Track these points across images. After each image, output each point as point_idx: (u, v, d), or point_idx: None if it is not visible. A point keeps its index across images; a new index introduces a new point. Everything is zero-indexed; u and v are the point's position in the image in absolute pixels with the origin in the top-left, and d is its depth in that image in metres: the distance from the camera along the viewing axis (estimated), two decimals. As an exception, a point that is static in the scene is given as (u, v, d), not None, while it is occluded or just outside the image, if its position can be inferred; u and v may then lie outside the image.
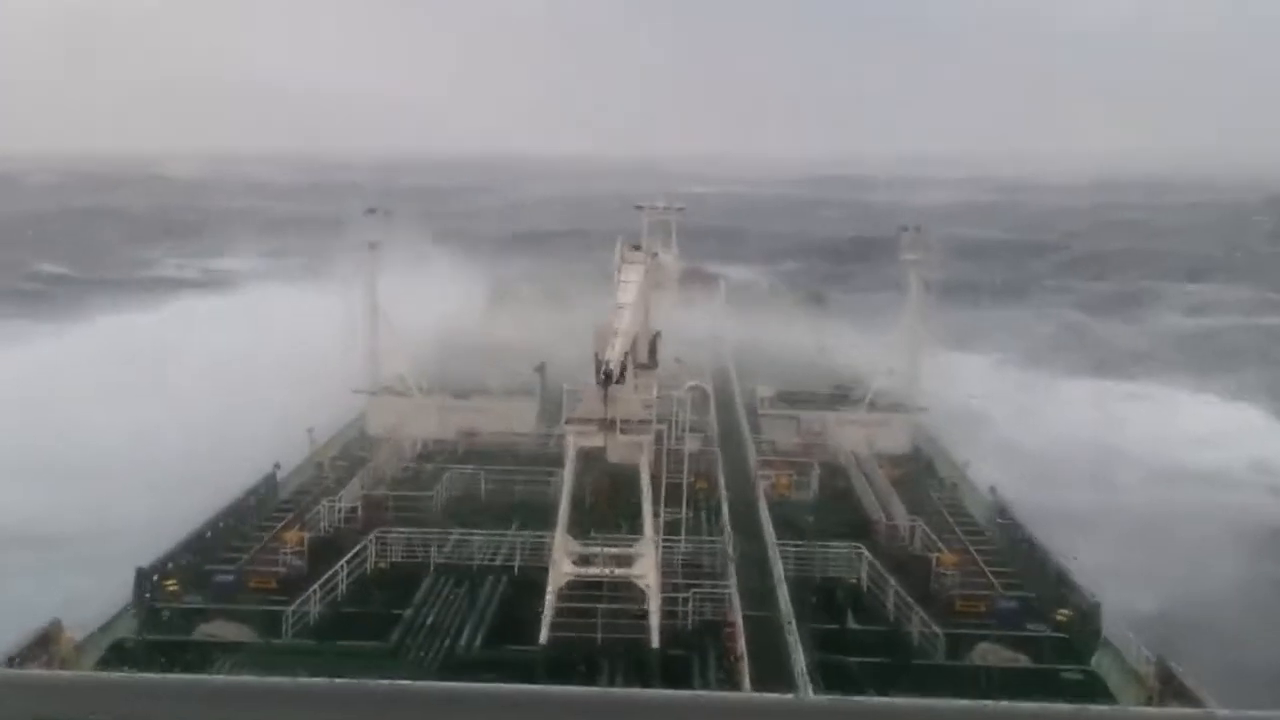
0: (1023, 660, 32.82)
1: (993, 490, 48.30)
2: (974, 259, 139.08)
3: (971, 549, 41.93)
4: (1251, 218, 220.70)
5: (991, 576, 39.06)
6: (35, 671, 25.89)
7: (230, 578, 36.61)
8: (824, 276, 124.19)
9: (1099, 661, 32.97)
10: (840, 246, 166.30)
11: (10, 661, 27.35)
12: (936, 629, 33.82)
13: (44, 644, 29.76)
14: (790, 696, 26.63)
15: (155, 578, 35.28)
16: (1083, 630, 34.33)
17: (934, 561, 39.45)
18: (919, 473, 53.76)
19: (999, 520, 45.56)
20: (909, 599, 35.46)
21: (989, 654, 32.95)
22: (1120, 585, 39.81)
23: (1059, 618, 35.39)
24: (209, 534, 39.80)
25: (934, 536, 41.86)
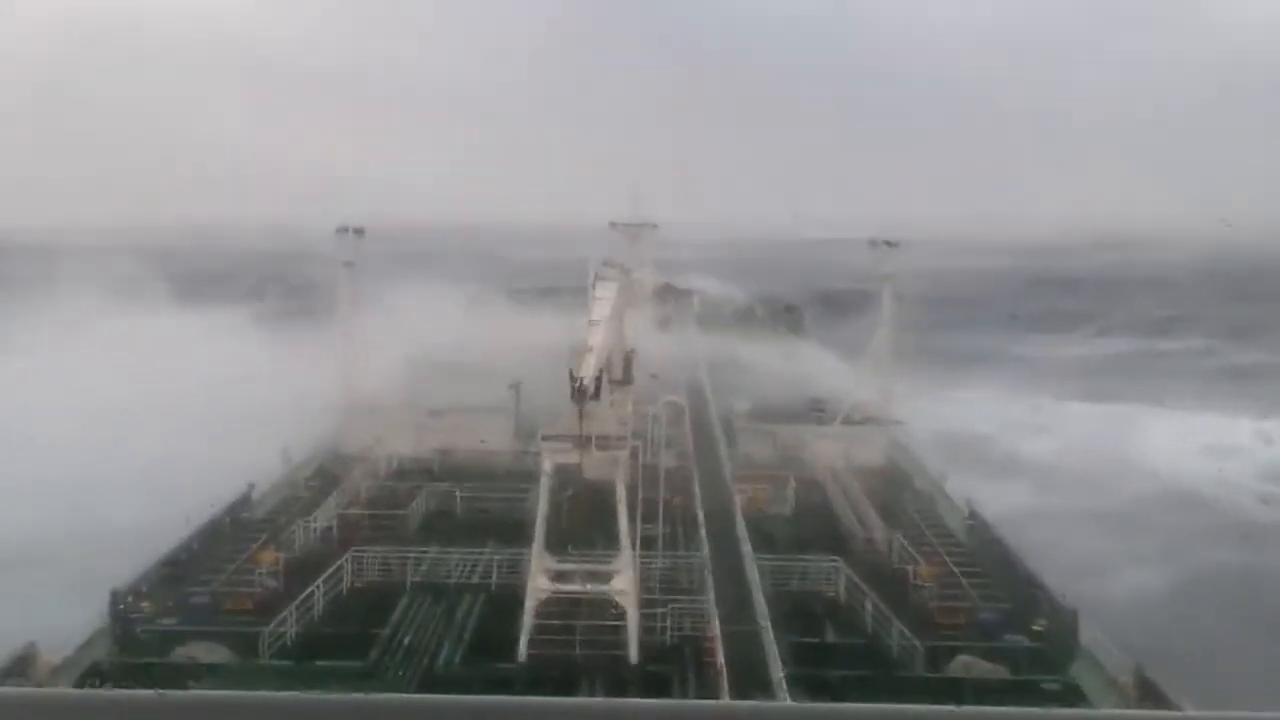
0: (1002, 671, 32.90)
1: (969, 502, 48.43)
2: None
3: (949, 560, 41.95)
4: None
5: (969, 588, 39.11)
6: (13, 689, 25.72)
7: (206, 599, 36.35)
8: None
9: (1077, 671, 33.09)
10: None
11: None
12: (916, 641, 33.87)
13: (20, 667, 29.57)
14: (771, 703, 26.61)
15: (130, 599, 35.02)
16: (1060, 640, 34.45)
17: (911, 574, 39.51)
18: (896, 485, 53.85)
19: (975, 532, 45.67)
20: (887, 611, 35.52)
21: (969, 666, 33.03)
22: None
23: (1036, 628, 35.49)
24: (184, 555, 39.56)
25: (911, 549, 41.91)
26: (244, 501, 45.99)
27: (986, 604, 37.72)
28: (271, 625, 33.55)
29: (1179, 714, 26.03)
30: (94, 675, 30.84)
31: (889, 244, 58.83)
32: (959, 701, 29.76)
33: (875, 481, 53.20)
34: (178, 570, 38.49)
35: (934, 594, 38.36)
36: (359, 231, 57.60)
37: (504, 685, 29.46)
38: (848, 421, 58.03)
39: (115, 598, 34.45)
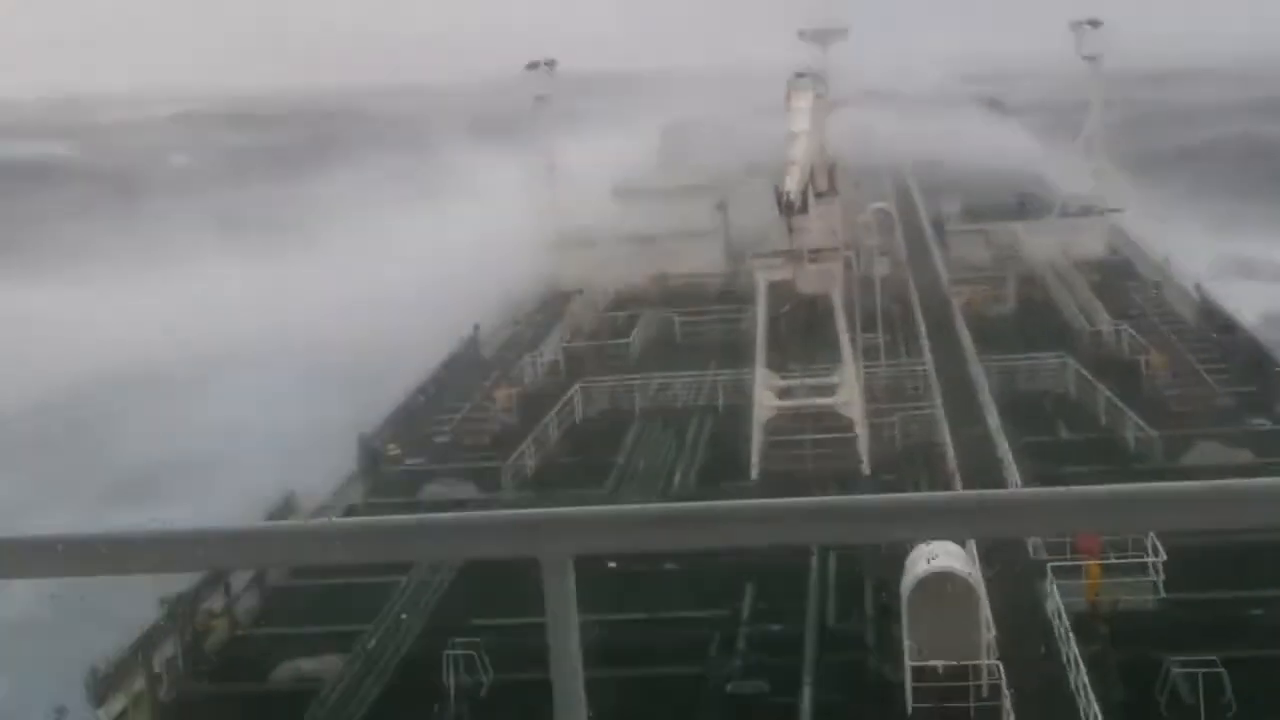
0: (1246, 456, 32.07)
1: (1198, 286, 46.74)
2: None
3: (1181, 347, 40.76)
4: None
5: (1205, 375, 37.96)
6: (283, 523, 27.85)
7: (447, 438, 37.99)
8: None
9: None
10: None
11: None
12: (1151, 432, 33.21)
13: (283, 513, 31.59)
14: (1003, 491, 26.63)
15: (378, 442, 36.74)
16: None
17: (1143, 364, 38.59)
18: (1119, 275, 52.24)
19: (1207, 316, 44.16)
20: (1120, 403, 34.82)
21: (1210, 453, 32.27)
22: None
23: None
24: (422, 398, 41.15)
25: (1141, 339, 40.82)
26: (472, 341, 47.35)
27: (1224, 388, 36.68)
28: (511, 459, 34.84)
29: None
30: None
31: (1092, 24, 56.15)
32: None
33: (1097, 273, 51.74)
34: (419, 412, 40.14)
35: (1167, 382, 37.46)
36: (550, 64, 57.61)
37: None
38: (1063, 214, 56.32)
39: (363, 441, 36.11)
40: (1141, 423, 33.63)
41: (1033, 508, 2.98)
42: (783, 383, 34.11)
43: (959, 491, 27.51)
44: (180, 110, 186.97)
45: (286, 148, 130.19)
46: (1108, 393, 35.45)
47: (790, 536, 2.99)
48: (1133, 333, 41.24)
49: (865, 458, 31.97)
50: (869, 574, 25.48)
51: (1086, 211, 56.44)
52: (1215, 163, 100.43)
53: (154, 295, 63.69)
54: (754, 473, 32.05)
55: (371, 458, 35.98)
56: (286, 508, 31.81)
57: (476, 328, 48.13)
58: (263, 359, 52.46)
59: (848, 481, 30.95)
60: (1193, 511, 2.86)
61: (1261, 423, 34.11)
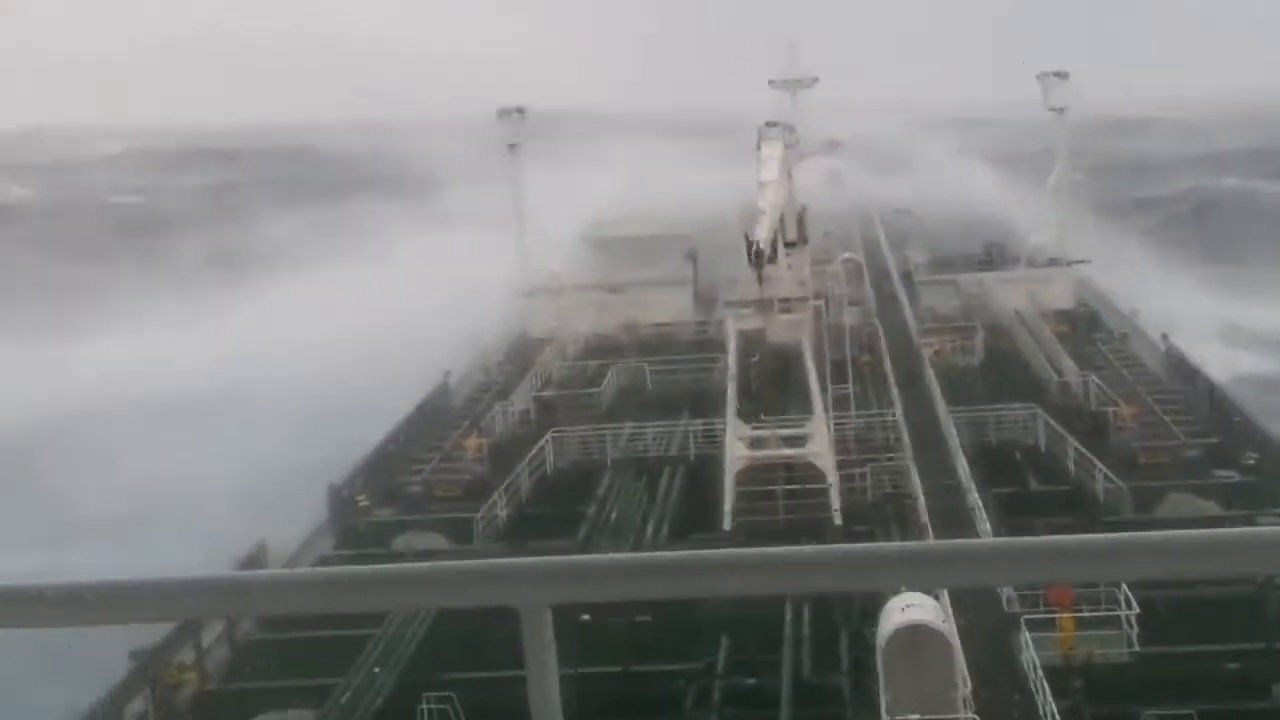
0: (1214, 508, 32.33)
1: (1165, 337, 47.19)
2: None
3: (1148, 398, 41.11)
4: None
5: (1173, 426, 38.29)
6: (257, 572, 27.66)
7: (418, 488, 37.83)
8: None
9: None
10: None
11: None
12: (1120, 483, 33.40)
13: (252, 564, 31.31)
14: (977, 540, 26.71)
15: (348, 493, 36.55)
16: (1274, 473, 33.62)
17: (1111, 415, 38.87)
18: (1086, 326, 52.71)
19: (1174, 367, 44.59)
20: (1089, 455, 35.03)
21: (1179, 504, 32.51)
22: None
23: (1248, 461, 34.68)
24: (392, 447, 41.02)
25: (1108, 390, 41.15)
26: (442, 390, 47.27)
27: (1191, 440, 36.98)
28: (483, 509, 34.69)
29: None
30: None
31: (1059, 75, 57.00)
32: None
33: (1064, 324, 52.19)
34: (389, 461, 39.99)
35: (1136, 434, 37.73)
36: (520, 112, 57.88)
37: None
38: (1031, 264, 56.85)
39: (333, 492, 35.92)
40: (1110, 474, 33.82)
41: (1005, 557, 2.99)
42: (754, 433, 34.14)
43: (931, 541, 27.58)
44: (134, 146, 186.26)
45: (245, 186, 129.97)
46: (1076, 444, 35.66)
47: (764, 587, 3.00)
48: (1100, 384, 41.53)
49: (837, 508, 31.99)
50: (844, 626, 25.47)
51: (1054, 262, 56.97)
52: (1172, 220, 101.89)
53: (90, 343, 63.39)
54: (726, 523, 32.01)
55: (341, 508, 35.77)
56: (257, 557, 31.59)
57: (447, 376, 48.08)
58: (215, 405, 52.26)
59: (820, 532, 30.94)
60: (1162, 562, 2.89)
61: (1228, 474, 34.37)
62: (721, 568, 3.00)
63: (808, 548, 3.04)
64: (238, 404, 53.12)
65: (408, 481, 38.51)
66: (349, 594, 3.06)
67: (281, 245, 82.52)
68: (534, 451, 38.00)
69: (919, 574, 3.05)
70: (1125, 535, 2.85)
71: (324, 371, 52.13)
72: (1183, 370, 43.77)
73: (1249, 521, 30.57)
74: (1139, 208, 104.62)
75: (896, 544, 3.17)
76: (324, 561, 32.89)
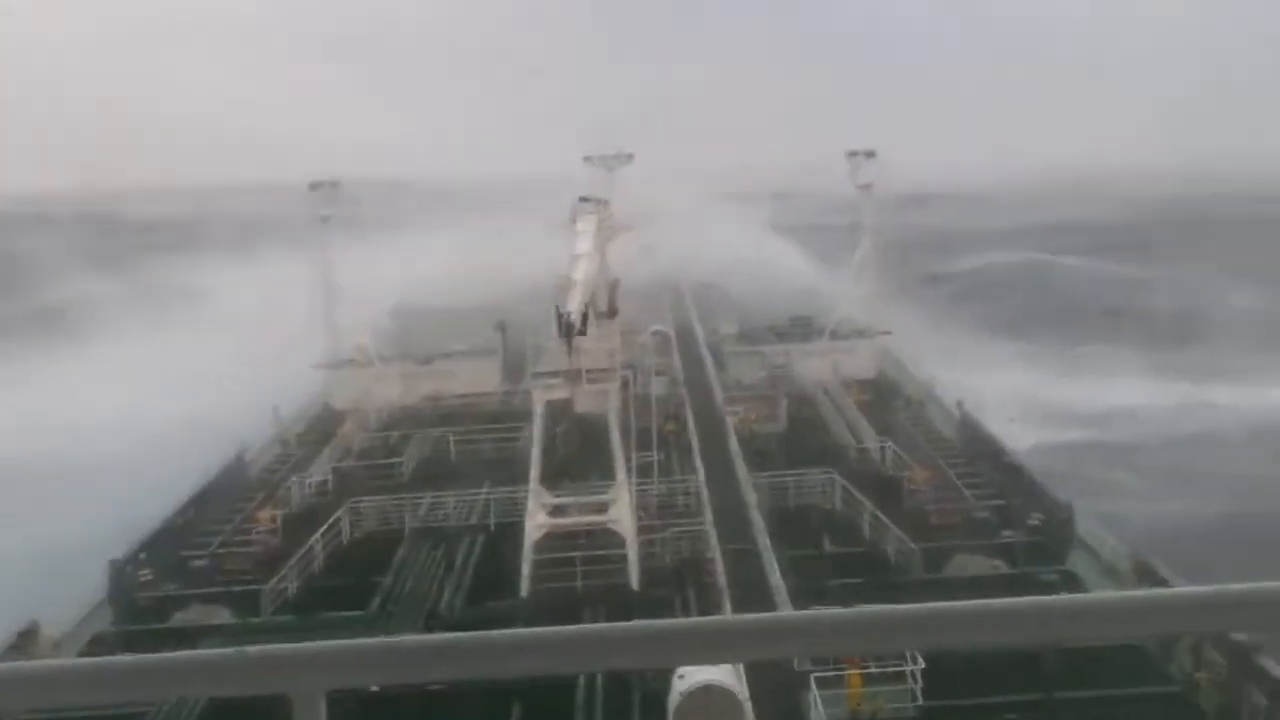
0: (1000, 567, 33.11)
1: (959, 405, 48.54)
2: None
3: (942, 464, 42.15)
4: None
5: (963, 489, 39.30)
6: (19, 664, 25.97)
7: (205, 562, 36.44)
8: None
9: (1075, 561, 33.31)
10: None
11: None
12: (912, 544, 34.07)
13: (23, 644, 29.63)
14: (775, 614, 26.75)
15: (129, 568, 35.02)
16: (1057, 533, 34.64)
17: (905, 480, 39.68)
18: (886, 395, 53.95)
19: (967, 434, 45.83)
20: (883, 518, 35.68)
21: (966, 564, 33.24)
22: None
23: (1032, 522, 35.67)
24: (181, 521, 39.52)
25: (904, 455, 42.06)
26: (237, 464, 45.84)
27: (981, 503, 37.94)
28: (272, 582, 33.60)
29: (1171, 590, 26.23)
30: (96, 647, 30.85)
31: (868, 154, 58.66)
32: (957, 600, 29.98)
33: (866, 393, 53.36)
34: (176, 536, 38.46)
35: (929, 497, 38.58)
36: (334, 185, 57.25)
37: (507, 623, 29.45)
38: (835, 336, 58.12)
39: (114, 567, 34.34)
40: (903, 536, 34.48)
41: (797, 631, 3.05)
42: (556, 500, 33.88)
43: (725, 616, 27.58)
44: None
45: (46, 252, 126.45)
46: (872, 508, 36.30)
47: (551, 666, 2.95)
48: (897, 450, 42.45)
49: (635, 574, 31.85)
50: (636, 689, 25.23)
51: (858, 334, 58.33)
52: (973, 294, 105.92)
53: None
54: (524, 590, 31.58)
55: (122, 583, 34.21)
56: (26, 639, 29.94)
57: (243, 448, 46.68)
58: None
59: (616, 598, 30.74)
60: (948, 631, 3.09)
61: (1012, 535, 35.28)
62: (504, 649, 2.92)
63: (594, 626, 2.94)
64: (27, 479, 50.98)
65: (195, 555, 37.07)
66: (107, 686, 2.87)
67: (79, 313, 79.85)
68: (329, 523, 37.04)
69: (709, 651, 2.97)
70: (908, 607, 3.03)
71: (113, 450, 50.32)
72: (975, 436, 45.00)
73: (1031, 578, 31.46)
74: (935, 281, 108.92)
75: (687, 620, 3.15)
76: (100, 639, 31.39)
